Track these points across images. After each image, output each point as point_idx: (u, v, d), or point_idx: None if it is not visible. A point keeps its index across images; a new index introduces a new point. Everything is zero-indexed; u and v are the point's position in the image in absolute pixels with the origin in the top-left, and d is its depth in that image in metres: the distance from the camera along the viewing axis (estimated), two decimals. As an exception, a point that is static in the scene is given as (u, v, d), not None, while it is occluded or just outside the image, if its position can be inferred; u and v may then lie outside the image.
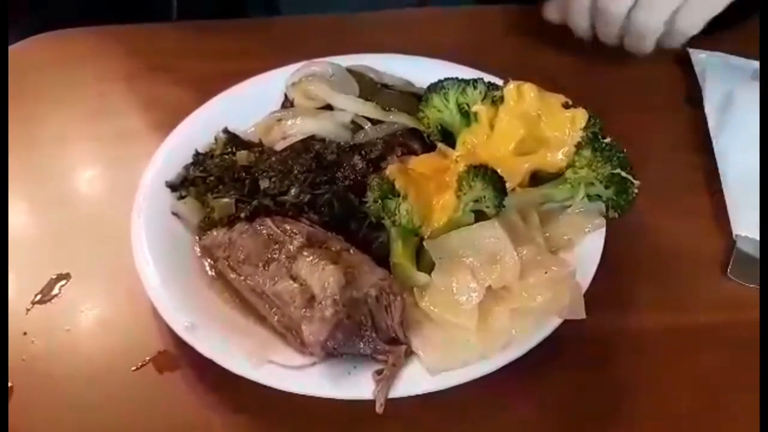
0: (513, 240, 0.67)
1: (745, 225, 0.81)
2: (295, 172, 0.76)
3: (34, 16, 1.14)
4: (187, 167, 0.81)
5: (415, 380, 0.63)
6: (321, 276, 0.64)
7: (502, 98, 0.77)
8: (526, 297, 0.65)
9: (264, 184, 0.75)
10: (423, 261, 0.70)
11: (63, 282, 0.77)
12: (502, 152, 0.75)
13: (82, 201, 0.88)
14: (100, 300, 0.76)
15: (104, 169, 0.92)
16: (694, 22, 0.92)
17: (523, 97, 0.77)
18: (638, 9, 0.91)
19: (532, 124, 0.76)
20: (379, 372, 0.63)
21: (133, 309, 0.73)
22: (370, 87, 0.87)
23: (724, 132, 0.91)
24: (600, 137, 0.74)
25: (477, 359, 0.63)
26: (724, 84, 0.96)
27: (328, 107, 0.84)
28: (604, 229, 0.73)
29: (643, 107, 0.98)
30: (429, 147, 0.81)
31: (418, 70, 0.90)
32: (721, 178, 0.86)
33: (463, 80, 0.81)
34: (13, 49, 1.06)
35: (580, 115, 0.75)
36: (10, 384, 0.68)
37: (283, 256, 0.68)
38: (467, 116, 0.79)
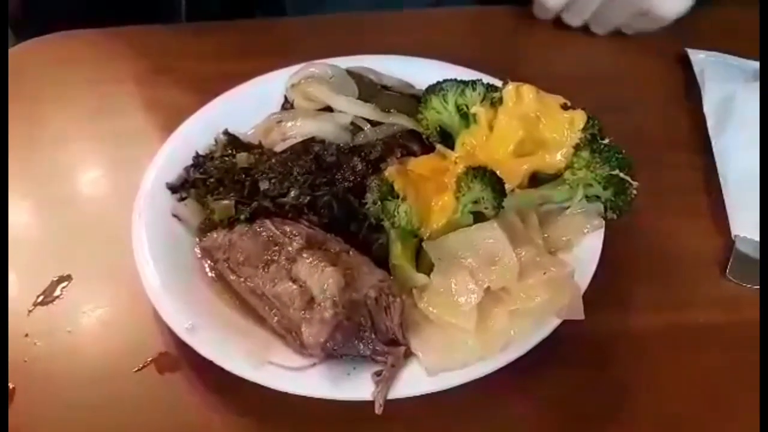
0: (512, 241, 0.67)
1: (744, 225, 0.81)
2: (295, 173, 0.76)
3: (40, 17, 1.14)
4: (187, 169, 0.81)
5: (415, 381, 0.63)
6: (320, 277, 0.64)
7: (501, 99, 0.78)
8: (525, 298, 0.65)
9: (264, 185, 0.76)
10: (422, 262, 0.70)
11: (64, 283, 0.77)
12: (501, 153, 0.75)
13: (82, 202, 0.89)
14: (102, 301, 0.76)
15: (105, 170, 0.92)
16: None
17: (522, 98, 0.77)
18: None
19: (531, 126, 0.76)
20: (378, 373, 0.63)
21: (135, 310, 0.73)
22: (369, 88, 0.87)
23: (724, 132, 0.90)
24: (598, 138, 0.74)
25: (476, 360, 0.64)
26: (724, 84, 0.96)
27: (328, 109, 0.84)
28: (602, 230, 0.73)
29: (642, 108, 0.98)
30: (428, 148, 0.81)
31: (418, 72, 0.90)
32: (721, 179, 0.86)
33: (462, 82, 0.81)
34: (13, 49, 1.06)
35: (579, 117, 0.75)
36: (11, 385, 0.68)
37: (283, 258, 0.68)
38: (466, 118, 0.79)
